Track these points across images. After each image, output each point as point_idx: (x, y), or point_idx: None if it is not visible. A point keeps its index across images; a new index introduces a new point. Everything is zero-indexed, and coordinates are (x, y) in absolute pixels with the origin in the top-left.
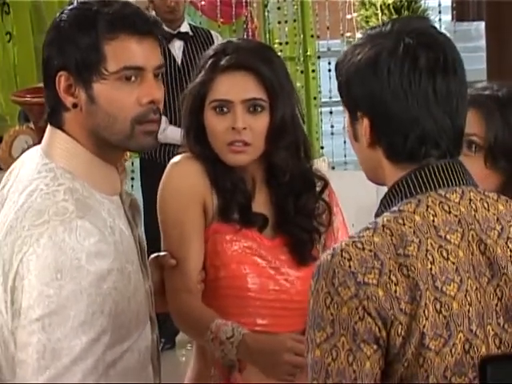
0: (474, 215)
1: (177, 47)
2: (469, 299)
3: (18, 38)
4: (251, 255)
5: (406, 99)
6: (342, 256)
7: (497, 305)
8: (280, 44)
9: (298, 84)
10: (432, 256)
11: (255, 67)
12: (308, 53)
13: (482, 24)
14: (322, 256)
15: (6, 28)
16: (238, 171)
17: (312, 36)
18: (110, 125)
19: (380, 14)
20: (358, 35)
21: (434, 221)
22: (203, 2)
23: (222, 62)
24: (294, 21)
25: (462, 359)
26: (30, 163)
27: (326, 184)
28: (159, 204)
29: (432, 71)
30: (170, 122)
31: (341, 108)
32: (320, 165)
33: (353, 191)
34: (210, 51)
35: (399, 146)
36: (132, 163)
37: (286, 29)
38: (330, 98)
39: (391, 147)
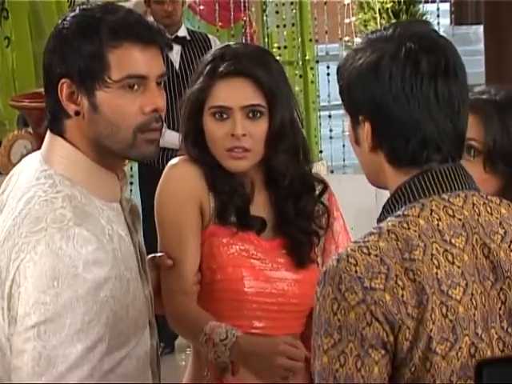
0: (478, 219)
1: (174, 52)
2: (474, 303)
3: (17, 43)
4: (248, 258)
5: (408, 103)
6: (348, 261)
7: (500, 308)
8: (278, 48)
9: (297, 88)
10: (437, 260)
11: (254, 73)
12: (306, 57)
13: (481, 28)
14: (327, 262)
15: (4, 33)
16: (237, 175)
17: (310, 40)
18: (112, 133)
19: (378, 18)
20: (357, 39)
21: (438, 225)
22: (202, 7)
23: (221, 69)
24: (293, 25)
25: (468, 363)
26: (29, 169)
27: (325, 187)
28: (156, 205)
29: (434, 75)
30: (168, 127)
31: (340, 112)
32: (319, 169)
33: (352, 195)
34: (209, 56)
35: (401, 150)
36: (131, 168)
37: (285, 33)
38: (329, 102)
39: (393, 151)
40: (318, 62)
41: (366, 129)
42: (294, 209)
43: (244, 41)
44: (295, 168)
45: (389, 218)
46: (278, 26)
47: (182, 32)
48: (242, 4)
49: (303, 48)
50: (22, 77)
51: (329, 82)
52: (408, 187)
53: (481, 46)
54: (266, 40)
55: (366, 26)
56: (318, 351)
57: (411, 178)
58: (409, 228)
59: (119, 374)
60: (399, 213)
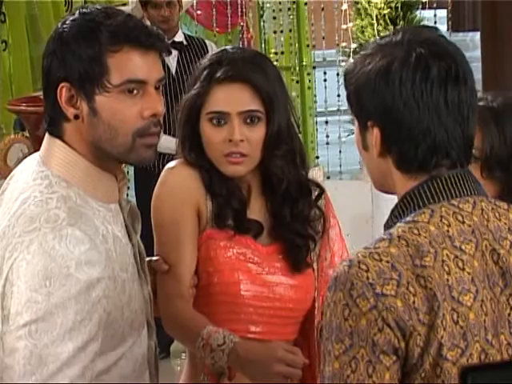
0: (487, 225)
1: (171, 56)
2: (484, 309)
3: (14, 46)
4: (245, 262)
5: (418, 109)
6: (359, 267)
7: (509, 314)
8: (276, 54)
9: (294, 94)
10: (448, 266)
11: (251, 79)
12: (303, 62)
13: (478, 34)
14: (337, 267)
15: (1, 37)
16: (234, 179)
17: (307, 46)
18: (111, 137)
19: (375, 25)
20: (354, 45)
21: (448, 231)
22: (199, 12)
23: (218, 74)
24: (290, 31)
25: None
26: (27, 170)
27: (321, 191)
28: (153, 207)
29: (444, 81)
30: (164, 132)
31: (336, 118)
32: (315, 174)
33: (348, 201)
34: (206, 61)
35: (410, 155)
36: (127, 172)
37: (282, 38)
38: (326, 107)
39: (402, 157)
40: (314, 67)
41: (374, 134)
42: (291, 213)
43: (241, 46)
44: (292, 173)
45: (398, 224)
46: (275, 32)
47: (179, 37)
48: (240, 9)
49: (300, 54)
50: (18, 81)
51: (325, 87)
52: (417, 193)
53: (478, 53)
54: (263, 45)
55: (362, 32)
56: (329, 357)
57: (420, 183)
58: (419, 234)
59: (115, 375)
60: (409, 219)
